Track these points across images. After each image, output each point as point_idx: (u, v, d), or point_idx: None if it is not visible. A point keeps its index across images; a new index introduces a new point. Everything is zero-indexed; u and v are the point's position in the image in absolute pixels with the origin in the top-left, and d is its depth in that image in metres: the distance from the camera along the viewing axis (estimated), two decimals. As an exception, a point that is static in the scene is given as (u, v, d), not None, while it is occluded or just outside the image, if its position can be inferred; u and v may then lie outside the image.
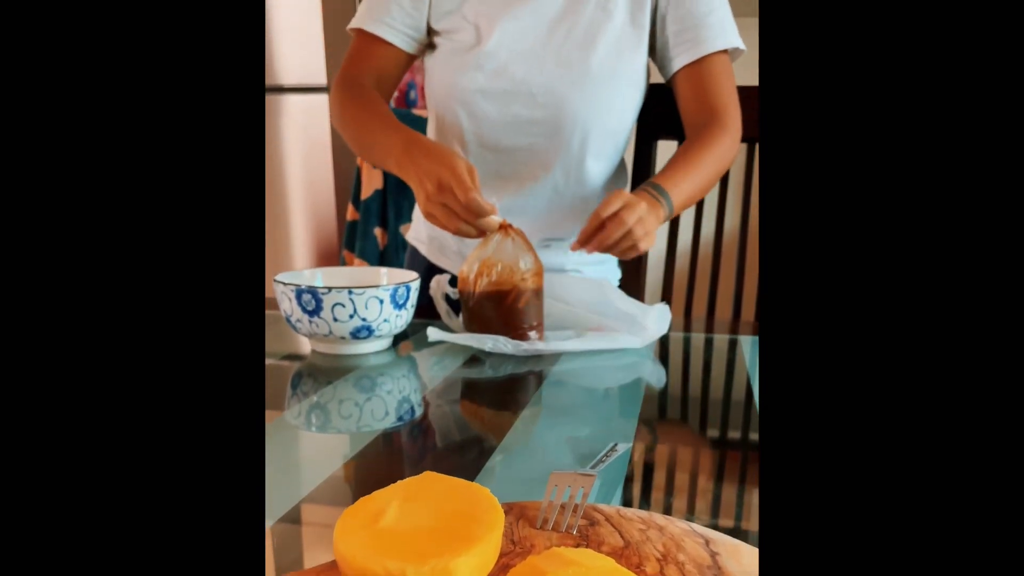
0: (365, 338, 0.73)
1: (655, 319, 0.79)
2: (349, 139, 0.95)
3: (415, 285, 0.75)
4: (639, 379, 0.70)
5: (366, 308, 0.70)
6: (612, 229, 0.75)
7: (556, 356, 0.75)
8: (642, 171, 1.10)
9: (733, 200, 1.76)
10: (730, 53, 0.93)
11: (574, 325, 0.82)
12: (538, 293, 0.77)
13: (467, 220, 0.74)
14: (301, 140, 1.98)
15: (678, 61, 0.91)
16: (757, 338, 0.83)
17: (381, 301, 0.71)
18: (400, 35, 0.94)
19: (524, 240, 0.77)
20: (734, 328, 0.89)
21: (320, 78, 1.93)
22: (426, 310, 0.90)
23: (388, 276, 0.82)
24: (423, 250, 1.05)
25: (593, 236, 0.76)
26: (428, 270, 1.04)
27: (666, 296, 1.12)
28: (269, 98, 1.97)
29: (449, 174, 0.74)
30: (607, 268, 1.04)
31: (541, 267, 0.78)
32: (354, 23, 0.96)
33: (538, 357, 0.74)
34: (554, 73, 0.88)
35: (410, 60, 0.97)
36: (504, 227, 0.77)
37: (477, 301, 0.76)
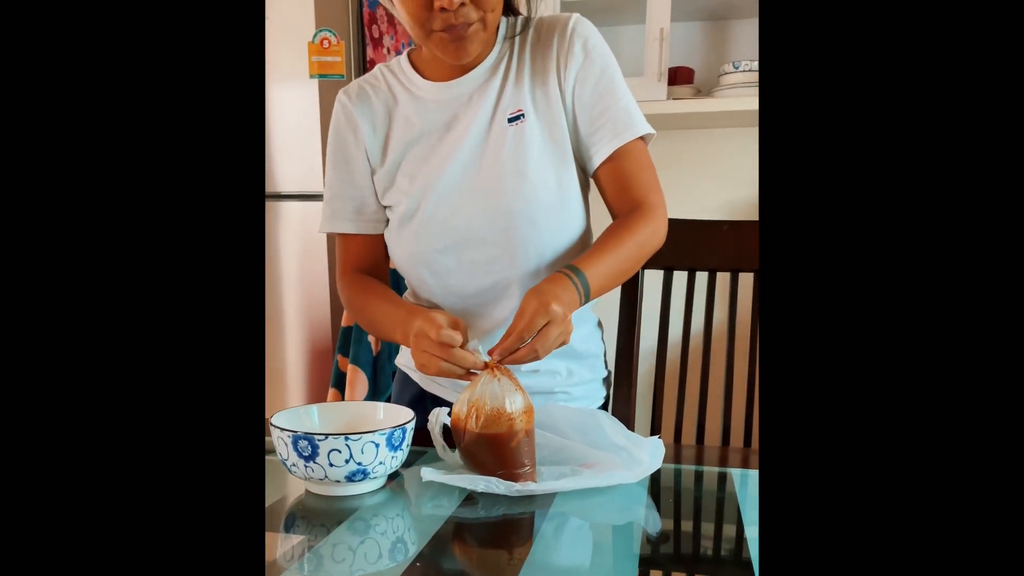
0: (360, 480, 0.73)
1: (649, 452, 0.80)
2: (361, 325, 1.04)
3: (410, 426, 0.77)
4: (633, 524, 0.70)
5: (362, 453, 0.71)
6: (540, 350, 0.77)
7: (550, 496, 0.75)
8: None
9: (720, 302, 1.79)
10: (645, 138, 0.94)
11: (569, 460, 0.82)
12: (529, 433, 0.78)
13: (445, 358, 0.78)
14: (298, 245, 2.03)
15: (594, 161, 0.93)
16: (746, 471, 0.84)
17: (377, 445, 0.72)
18: (360, 224, 1.00)
19: (512, 379, 0.78)
20: (723, 457, 0.90)
21: (317, 186, 1.98)
22: (422, 434, 0.91)
23: (384, 412, 0.83)
24: (414, 377, 1.06)
25: (514, 352, 0.78)
26: (419, 393, 1.05)
27: (656, 404, 1.13)
28: (268, 204, 2.02)
29: (422, 321, 0.80)
30: (592, 387, 1.05)
31: (531, 406, 0.79)
32: (320, 228, 1.03)
33: (531, 497, 0.74)
34: (495, 211, 0.91)
35: (383, 238, 1.02)
36: (490, 367, 0.78)
37: (469, 442, 0.77)
